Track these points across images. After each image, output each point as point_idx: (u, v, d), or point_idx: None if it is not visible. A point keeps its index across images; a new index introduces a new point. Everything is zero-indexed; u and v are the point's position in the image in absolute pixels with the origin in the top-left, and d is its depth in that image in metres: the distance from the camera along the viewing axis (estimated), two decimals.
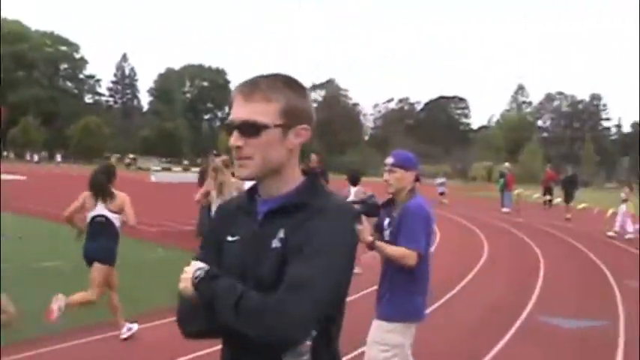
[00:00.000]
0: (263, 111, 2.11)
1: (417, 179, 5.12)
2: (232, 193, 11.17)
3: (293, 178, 2.21)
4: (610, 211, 23.95)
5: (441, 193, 35.80)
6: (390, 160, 5.09)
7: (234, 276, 2.08)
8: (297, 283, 1.94)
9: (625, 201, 22.12)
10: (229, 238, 2.25)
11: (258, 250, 2.13)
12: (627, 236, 21.40)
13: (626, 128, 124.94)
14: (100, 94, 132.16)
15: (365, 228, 4.74)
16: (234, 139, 2.13)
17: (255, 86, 2.14)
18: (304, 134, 2.19)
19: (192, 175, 32.92)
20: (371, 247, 4.80)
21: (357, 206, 4.74)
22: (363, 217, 4.77)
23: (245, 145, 2.12)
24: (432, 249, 16.23)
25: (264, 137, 2.11)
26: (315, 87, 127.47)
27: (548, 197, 33.84)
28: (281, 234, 2.10)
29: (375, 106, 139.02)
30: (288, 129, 2.14)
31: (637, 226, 21.22)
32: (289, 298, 1.91)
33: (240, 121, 2.12)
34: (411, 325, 5.01)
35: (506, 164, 35.99)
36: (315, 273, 1.95)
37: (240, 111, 2.14)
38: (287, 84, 2.18)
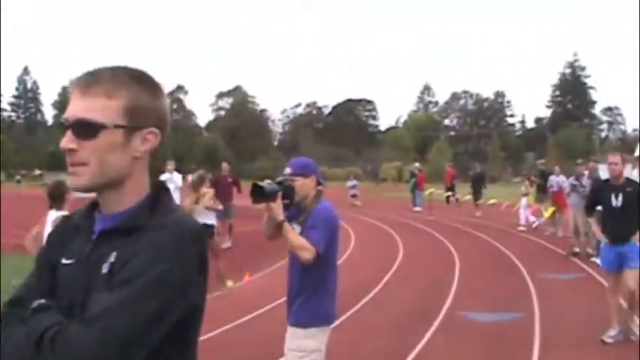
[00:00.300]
0: (102, 108, 1.78)
1: (319, 183, 5.11)
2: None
3: (138, 192, 1.88)
4: (517, 205, 24.55)
5: (353, 196, 36.04)
6: (287, 170, 5.06)
7: (66, 304, 1.79)
8: (91, 315, 1.65)
9: (525, 195, 22.72)
10: (64, 261, 1.89)
11: (89, 277, 1.79)
12: (534, 225, 22.12)
13: (530, 124, 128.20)
14: (2, 110, 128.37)
15: (277, 206, 4.76)
16: (66, 141, 1.78)
17: (96, 78, 1.81)
18: (152, 140, 1.86)
19: None
20: (279, 226, 4.80)
21: (274, 187, 4.79)
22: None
23: (79, 149, 1.78)
24: (348, 252, 16.37)
25: (102, 139, 1.78)
26: (222, 94, 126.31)
27: (456, 196, 34.39)
28: (112, 258, 1.77)
29: (283, 111, 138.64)
30: (132, 132, 1.82)
31: (541, 219, 21.83)
32: (79, 331, 1.62)
33: (74, 120, 1.78)
34: (326, 329, 4.98)
35: (417, 164, 36.57)
36: (114, 303, 1.65)
37: (75, 107, 1.79)
38: (135, 78, 1.85)
